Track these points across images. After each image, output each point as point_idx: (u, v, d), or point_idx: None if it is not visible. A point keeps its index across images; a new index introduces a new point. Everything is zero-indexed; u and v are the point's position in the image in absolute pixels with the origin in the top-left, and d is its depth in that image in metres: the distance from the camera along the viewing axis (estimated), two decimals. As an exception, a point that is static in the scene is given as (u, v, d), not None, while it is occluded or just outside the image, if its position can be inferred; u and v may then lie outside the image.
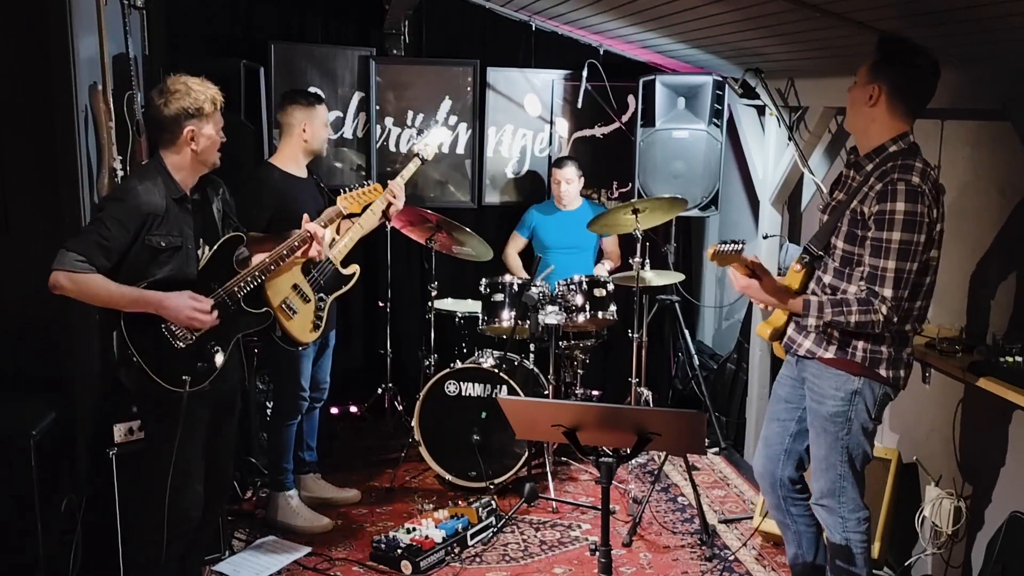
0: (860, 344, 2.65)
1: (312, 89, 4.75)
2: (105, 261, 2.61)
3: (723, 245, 2.56)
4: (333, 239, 3.72)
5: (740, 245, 2.57)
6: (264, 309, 2.97)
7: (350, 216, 3.62)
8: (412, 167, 3.88)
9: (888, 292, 2.51)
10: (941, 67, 2.58)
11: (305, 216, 3.09)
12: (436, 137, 4.12)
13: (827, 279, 2.70)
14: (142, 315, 2.66)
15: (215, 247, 2.84)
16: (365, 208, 3.56)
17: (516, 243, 5.08)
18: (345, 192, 3.34)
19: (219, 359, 2.81)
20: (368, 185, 3.29)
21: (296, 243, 3.01)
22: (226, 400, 2.97)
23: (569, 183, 4.84)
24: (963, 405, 3.21)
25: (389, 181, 3.81)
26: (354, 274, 3.78)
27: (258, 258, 2.96)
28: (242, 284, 2.85)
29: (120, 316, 2.66)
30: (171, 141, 2.75)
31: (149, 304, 2.65)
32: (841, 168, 2.90)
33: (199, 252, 2.82)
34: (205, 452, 2.89)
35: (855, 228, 2.60)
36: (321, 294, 3.60)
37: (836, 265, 2.67)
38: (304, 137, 3.72)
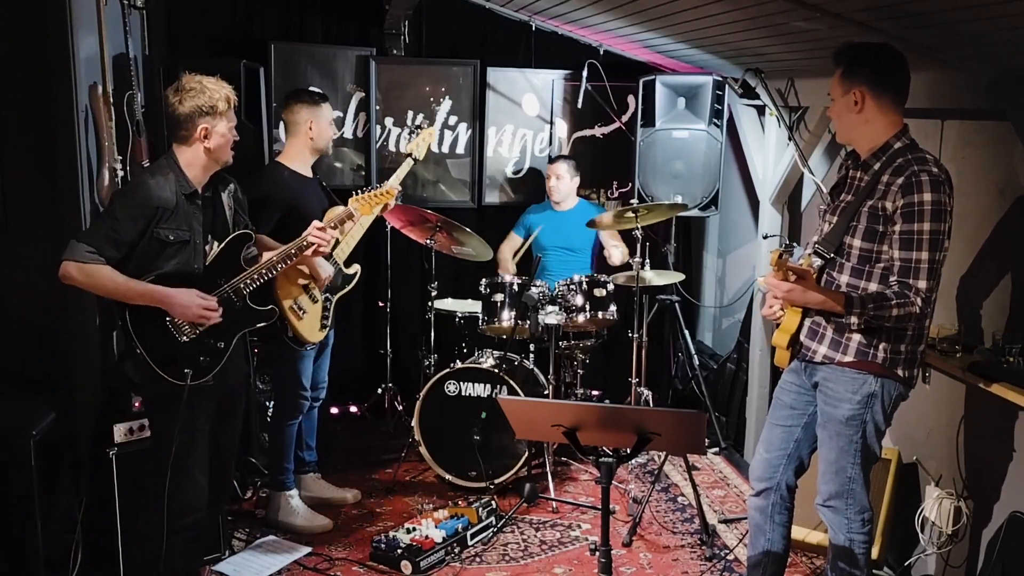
0: (881, 344, 2.63)
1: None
2: (114, 253, 2.66)
3: (785, 254, 2.58)
4: (337, 240, 3.76)
5: (791, 250, 2.60)
6: (270, 306, 3.00)
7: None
8: (405, 167, 4.03)
9: (923, 283, 2.52)
10: (940, 68, 2.58)
11: (315, 221, 3.13)
12: (427, 136, 4.15)
13: (844, 279, 2.67)
14: (146, 308, 2.71)
15: (224, 243, 2.89)
16: (375, 210, 3.56)
17: (511, 241, 5.03)
18: (357, 194, 3.35)
19: (222, 354, 2.85)
20: (380, 188, 3.32)
21: (304, 243, 3.05)
22: (230, 398, 3.01)
23: (559, 179, 4.81)
24: (963, 405, 3.21)
25: (385, 181, 3.91)
26: (356, 273, 3.92)
27: (267, 256, 3.01)
28: (248, 281, 2.90)
29: (125, 309, 2.71)
30: (185, 138, 2.81)
31: (156, 298, 2.70)
32: (838, 171, 2.89)
33: (207, 248, 2.86)
34: (209, 449, 2.91)
35: (875, 225, 2.58)
36: (327, 294, 3.74)
37: (854, 264, 2.65)
38: (310, 135, 3.74)
